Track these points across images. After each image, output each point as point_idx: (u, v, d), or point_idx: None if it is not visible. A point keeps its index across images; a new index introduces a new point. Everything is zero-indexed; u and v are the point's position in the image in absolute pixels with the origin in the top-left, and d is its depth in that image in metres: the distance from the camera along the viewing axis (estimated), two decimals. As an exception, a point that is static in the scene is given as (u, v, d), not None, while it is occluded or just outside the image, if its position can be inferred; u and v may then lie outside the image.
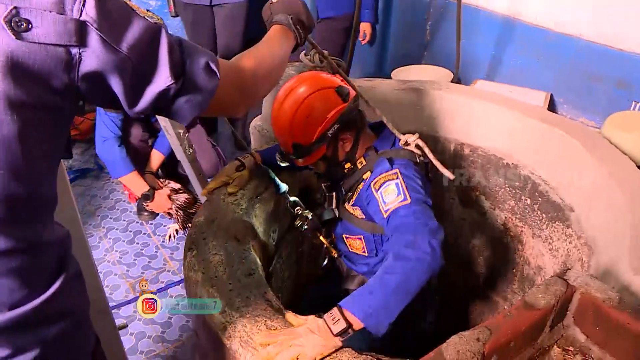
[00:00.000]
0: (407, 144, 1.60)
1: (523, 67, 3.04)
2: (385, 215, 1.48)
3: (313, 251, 2.19)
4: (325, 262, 1.91)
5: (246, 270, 1.47)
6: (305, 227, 1.76)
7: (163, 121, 1.83)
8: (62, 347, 0.90)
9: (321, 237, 1.81)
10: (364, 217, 1.67)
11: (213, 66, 0.93)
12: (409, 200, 1.46)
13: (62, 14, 0.74)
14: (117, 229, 2.90)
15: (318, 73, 1.66)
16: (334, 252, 1.83)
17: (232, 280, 1.42)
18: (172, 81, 0.86)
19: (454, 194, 2.40)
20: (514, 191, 2.17)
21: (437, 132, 2.34)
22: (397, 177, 1.52)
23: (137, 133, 2.85)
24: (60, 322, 0.89)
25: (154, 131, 2.94)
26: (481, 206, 2.31)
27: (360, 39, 3.53)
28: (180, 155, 1.93)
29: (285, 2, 1.30)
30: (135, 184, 2.78)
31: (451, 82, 3.11)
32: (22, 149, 0.75)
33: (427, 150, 1.57)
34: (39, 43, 0.73)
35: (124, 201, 3.13)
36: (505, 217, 2.25)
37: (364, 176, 1.66)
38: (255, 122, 2.21)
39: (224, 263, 1.48)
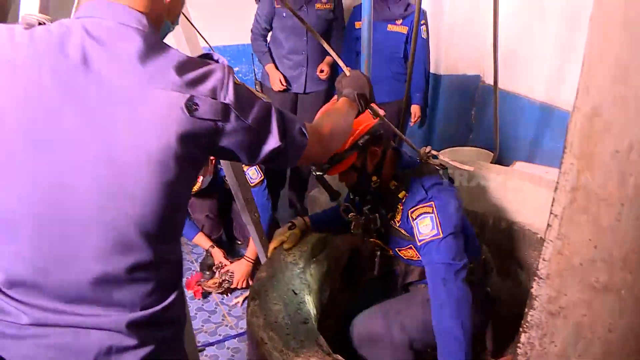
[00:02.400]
0: (425, 154, 1.93)
1: (560, 150, 3.25)
2: (419, 244, 1.79)
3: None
4: (377, 268, 2.12)
5: (301, 319, 1.70)
6: (360, 230, 2.00)
7: (234, 188, 2.13)
8: (168, 349, 1.15)
9: (373, 239, 2.05)
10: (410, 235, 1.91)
11: (304, 130, 1.24)
12: (440, 235, 1.76)
13: (214, 99, 1.04)
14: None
15: None
16: (390, 250, 2.07)
17: (289, 326, 1.66)
18: (280, 143, 1.17)
19: (492, 264, 2.57)
20: (548, 264, 2.34)
21: (478, 208, 2.56)
22: (433, 211, 1.80)
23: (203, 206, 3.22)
24: (170, 328, 1.15)
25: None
26: (517, 277, 2.48)
27: (411, 120, 3.79)
28: (246, 218, 2.21)
29: (354, 78, 1.60)
30: (202, 242, 3.16)
31: (491, 162, 3.34)
32: (178, 186, 1.06)
33: (441, 156, 1.90)
34: (200, 119, 1.03)
35: (187, 260, 3.42)
36: (541, 289, 2.40)
37: (400, 195, 1.91)
38: (313, 194, 2.49)
39: (282, 312, 1.72)
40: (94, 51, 1.01)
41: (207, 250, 3.18)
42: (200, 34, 1.85)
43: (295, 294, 1.84)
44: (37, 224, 1.02)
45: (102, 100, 0.99)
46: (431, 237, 1.77)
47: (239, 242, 3.56)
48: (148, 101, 1.00)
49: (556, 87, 3.34)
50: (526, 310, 0.95)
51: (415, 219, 1.82)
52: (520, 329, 0.97)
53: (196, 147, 1.06)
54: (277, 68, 3.70)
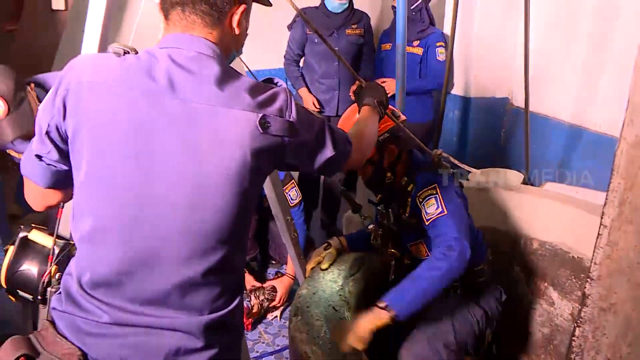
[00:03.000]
0: (437, 155, 2.13)
1: (589, 171, 3.29)
2: (427, 224, 1.92)
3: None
4: (391, 274, 2.24)
5: (342, 334, 1.79)
6: (379, 240, 2.19)
7: (275, 209, 2.23)
8: (229, 354, 1.25)
9: (392, 250, 2.20)
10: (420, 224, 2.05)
11: (349, 138, 1.42)
12: (445, 212, 1.92)
13: (282, 117, 1.19)
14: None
15: None
16: (406, 260, 2.20)
17: (331, 340, 1.74)
18: (334, 152, 1.33)
19: (524, 284, 2.62)
20: (580, 282, 2.38)
21: (509, 228, 2.62)
22: (436, 192, 1.96)
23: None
24: (233, 332, 1.26)
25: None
26: (550, 297, 2.52)
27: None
28: (286, 238, 2.31)
29: (371, 88, 1.80)
30: None
31: (522, 183, 3.40)
32: (249, 197, 1.20)
33: (451, 158, 2.14)
34: (271, 135, 1.17)
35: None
36: (573, 307, 2.44)
37: (409, 189, 2.11)
38: (348, 214, 2.59)
39: (324, 327, 1.81)
40: (179, 76, 1.15)
41: None
42: (241, 60, 1.98)
43: (336, 310, 1.93)
44: (127, 231, 1.15)
45: (187, 119, 1.13)
46: (437, 214, 1.94)
47: (273, 262, 3.66)
48: (227, 120, 1.14)
49: (585, 108, 3.40)
50: (579, 307, 1.05)
51: (422, 201, 1.99)
52: (574, 325, 1.07)
53: (266, 161, 1.20)
54: (310, 92, 3.84)
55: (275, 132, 1.18)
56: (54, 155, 1.21)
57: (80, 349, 1.16)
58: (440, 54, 3.77)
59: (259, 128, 1.15)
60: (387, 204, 2.20)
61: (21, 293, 1.57)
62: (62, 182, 1.26)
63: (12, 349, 1.16)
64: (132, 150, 1.13)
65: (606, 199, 0.97)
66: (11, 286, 1.56)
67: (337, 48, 3.73)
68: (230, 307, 1.23)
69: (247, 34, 1.33)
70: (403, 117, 2.12)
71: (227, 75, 1.18)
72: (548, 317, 2.54)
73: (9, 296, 1.60)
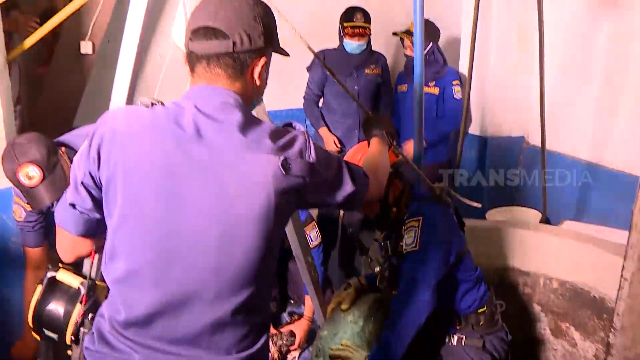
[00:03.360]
0: (438, 188, 2.14)
1: (608, 209, 3.29)
2: (402, 255, 2.01)
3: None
4: None
5: (364, 375, 1.80)
6: (384, 282, 2.20)
7: (295, 249, 2.26)
8: None
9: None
10: None
11: (365, 172, 1.47)
12: (417, 248, 1.95)
13: (302, 159, 1.25)
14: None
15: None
16: None
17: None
18: (354, 187, 1.39)
19: (545, 324, 2.61)
20: (603, 323, 2.37)
21: (527, 268, 2.63)
22: (418, 225, 1.99)
23: None
24: None
25: None
26: (572, 337, 2.51)
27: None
28: (306, 278, 2.34)
29: (378, 119, 1.92)
30: None
31: (540, 222, 3.41)
32: (275, 235, 1.26)
33: (452, 191, 2.12)
34: (293, 176, 1.23)
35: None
36: (597, 349, 2.42)
37: (404, 217, 2.11)
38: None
39: (346, 368, 1.82)
40: (205, 124, 1.22)
41: None
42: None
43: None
44: (159, 273, 1.20)
45: (214, 164, 1.20)
46: (410, 248, 1.98)
47: (292, 302, 3.66)
48: (251, 164, 1.21)
49: (601, 146, 3.42)
50: (604, 357, 1.06)
51: (405, 231, 2.03)
52: None
53: (289, 201, 1.26)
54: (330, 131, 3.90)
55: (296, 173, 1.24)
56: (88, 203, 1.27)
57: None
58: (457, 92, 3.82)
59: (282, 170, 1.21)
60: (388, 237, 2.24)
61: (47, 332, 1.61)
62: (94, 230, 1.33)
63: None
64: (163, 195, 1.20)
65: (626, 253, 1.00)
66: (37, 325, 1.61)
67: (356, 87, 3.83)
68: (257, 346, 1.27)
69: (266, 84, 1.39)
70: (409, 151, 2.27)
71: (250, 122, 1.25)
72: (570, 358, 2.52)
73: (35, 335, 1.65)
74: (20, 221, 2.34)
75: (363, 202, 1.49)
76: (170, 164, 1.20)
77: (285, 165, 1.22)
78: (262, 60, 1.31)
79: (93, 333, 1.30)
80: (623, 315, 1.01)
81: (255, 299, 1.25)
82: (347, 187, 1.38)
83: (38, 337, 1.65)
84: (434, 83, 3.83)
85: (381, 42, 4.19)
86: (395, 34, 3.94)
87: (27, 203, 2.25)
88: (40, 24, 2.95)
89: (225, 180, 1.20)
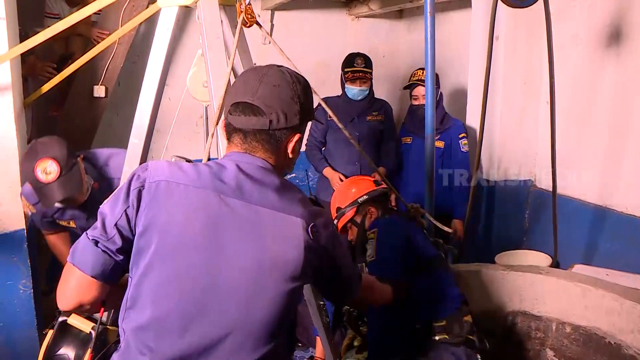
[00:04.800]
0: (412, 207, 2.42)
1: (618, 252, 3.27)
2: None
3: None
4: None
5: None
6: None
7: (307, 294, 2.25)
8: None
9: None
10: None
11: (361, 274, 1.59)
12: (374, 258, 2.08)
13: (327, 229, 1.35)
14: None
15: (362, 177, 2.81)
16: None
17: None
18: (351, 279, 1.48)
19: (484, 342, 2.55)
20: (618, 370, 2.32)
21: (539, 312, 2.60)
22: (374, 236, 2.13)
23: None
24: None
25: None
26: (586, 383, 2.46)
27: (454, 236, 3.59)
28: (317, 323, 2.31)
29: None
30: None
31: (550, 266, 3.38)
32: (297, 294, 1.32)
33: (427, 214, 2.39)
34: (319, 243, 1.31)
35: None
36: (612, 395, 2.37)
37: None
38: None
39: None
40: (246, 182, 1.29)
41: None
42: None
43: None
44: (188, 320, 1.22)
45: (253, 220, 1.27)
46: (370, 259, 2.10)
47: (300, 345, 3.60)
48: (285, 224, 1.29)
49: (609, 189, 3.43)
50: None
51: (367, 244, 2.17)
52: None
53: (312, 266, 1.32)
54: (334, 169, 3.87)
55: (321, 241, 1.33)
56: (117, 242, 1.26)
57: None
58: (464, 145, 3.80)
59: (310, 235, 1.29)
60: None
61: None
62: (108, 274, 1.28)
63: None
64: (202, 244, 1.24)
65: None
66: None
67: (357, 133, 3.82)
68: None
69: (299, 155, 1.46)
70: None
71: (285, 187, 1.34)
72: (585, 405, 2.47)
73: None
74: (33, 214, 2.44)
75: (349, 302, 1.63)
76: (213, 216, 1.25)
77: (315, 231, 1.31)
78: (297, 137, 1.38)
79: None
80: None
81: (277, 352, 1.29)
82: (354, 274, 1.53)
83: None
84: (438, 137, 3.69)
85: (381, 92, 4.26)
86: (407, 87, 3.93)
87: (34, 204, 2.29)
88: (56, 69, 3.02)
89: (262, 235, 1.27)
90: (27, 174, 2.14)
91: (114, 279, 1.30)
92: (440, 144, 3.75)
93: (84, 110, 3.66)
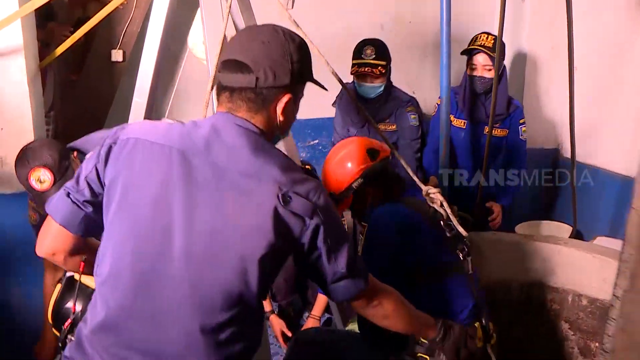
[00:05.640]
0: (427, 194, 1.86)
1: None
2: None
3: None
4: None
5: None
6: None
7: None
8: None
9: None
10: None
11: (367, 276, 1.39)
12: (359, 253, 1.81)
13: (307, 199, 1.24)
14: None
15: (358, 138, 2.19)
16: None
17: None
18: (344, 271, 1.32)
19: (574, 343, 2.51)
20: (633, 344, 2.26)
21: (555, 283, 2.53)
22: (364, 231, 1.89)
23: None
24: None
25: None
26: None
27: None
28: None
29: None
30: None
31: (570, 237, 3.29)
32: (263, 272, 1.22)
33: (445, 205, 1.81)
34: (292, 212, 1.22)
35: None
36: (627, 370, 2.31)
37: None
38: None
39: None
40: (216, 143, 1.24)
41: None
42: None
43: None
44: (139, 278, 1.21)
45: (215, 182, 1.21)
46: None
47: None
48: (252, 189, 1.22)
49: (637, 159, 3.30)
50: None
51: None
52: None
53: (285, 237, 1.23)
54: None
55: (296, 209, 1.23)
56: (86, 194, 1.30)
57: None
58: (524, 132, 3.22)
59: (280, 201, 1.21)
60: None
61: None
62: (77, 225, 1.33)
63: None
64: (158, 204, 1.22)
65: (618, 269, 0.92)
66: (56, 322, 1.62)
67: None
68: None
69: (295, 119, 1.40)
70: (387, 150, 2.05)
71: (262, 150, 1.26)
72: (599, 379, 2.41)
73: (54, 331, 1.67)
74: (35, 225, 2.38)
75: (342, 299, 1.40)
76: (169, 176, 1.22)
77: (285, 197, 1.21)
78: (287, 97, 1.31)
79: (73, 341, 1.33)
80: (614, 336, 0.93)
81: (233, 325, 1.23)
82: (339, 266, 1.32)
83: (57, 333, 1.68)
84: (499, 124, 3.12)
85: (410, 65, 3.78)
86: (465, 53, 3.14)
87: (39, 208, 2.30)
88: (73, 32, 3.02)
89: (223, 200, 1.21)
90: (22, 182, 2.15)
91: (84, 231, 1.34)
92: (502, 132, 3.17)
93: (102, 74, 3.68)
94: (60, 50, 2.76)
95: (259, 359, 1.37)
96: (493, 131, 2.99)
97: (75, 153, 2.25)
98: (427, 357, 1.64)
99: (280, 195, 1.21)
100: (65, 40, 2.82)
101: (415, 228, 1.86)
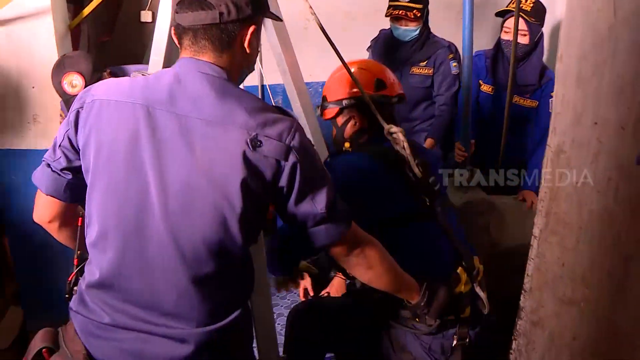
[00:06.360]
0: (389, 133, 1.76)
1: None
2: None
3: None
4: None
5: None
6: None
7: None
8: None
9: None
10: None
11: (350, 218, 1.34)
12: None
13: (280, 141, 1.21)
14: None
15: (380, 64, 2.08)
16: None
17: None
18: (324, 212, 1.28)
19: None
20: None
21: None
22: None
23: None
24: (231, 345, 1.33)
25: None
26: None
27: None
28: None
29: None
30: None
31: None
32: (243, 216, 1.20)
33: (406, 145, 1.73)
34: (263, 155, 1.19)
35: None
36: None
37: None
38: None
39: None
40: (179, 92, 1.23)
41: None
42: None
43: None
44: (125, 238, 1.23)
45: (181, 133, 1.20)
46: None
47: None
48: (219, 136, 1.20)
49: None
50: (516, 320, 1.08)
51: None
52: (512, 337, 1.10)
53: (259, 182, 1.21)
54: None
55: (267, 153, 1.19)
56: (62, 162, 1.32)
57: (86, 349, 1.27)
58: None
59: (249, 146, 1.18)
60: None
61: None
62: (62, 193, 1.36)
63: (40, 340, 1.32)
64: (130, 162, 1.21)
65: (537, 209, 0.98)
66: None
67: None
68: (229, 320, 1.27)
69: (258, 52, 1.37)
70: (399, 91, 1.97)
71: (228, 95, 1.23)
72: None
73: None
74: None
75: (321, 245, 1.34)
76: (136, 133, 1.21)
77: (254, 141, 1.18)
78: (251, 28, 1.28)
79: (76, 295, 1.36)
80: (532, 276, 1.00)
81: (222, 273, 1.24)
82: (317, 207, 1.27)
83: None
84: (530, 94, 2.87)
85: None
86: (499, 14, 2.87)
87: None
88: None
89: (191, 150, 1.19)
90: (56, 86, 2.33)
91: (71, 197, 1.36)
92: (532, 103, 2.89)
93: (132, 35, 3.82)
94: (87, 10, 2.90)
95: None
96: (522, 101, 2.88)
97: (109, 71, 2.42)
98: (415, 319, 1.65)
99: (248, 140, 1.18)
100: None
101: (369, 178, 1.78)
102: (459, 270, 1.75)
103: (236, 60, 1.30)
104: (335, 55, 1.78)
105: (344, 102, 1.92)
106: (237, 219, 1.21)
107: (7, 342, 2.77)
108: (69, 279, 1.49)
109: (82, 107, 1.28)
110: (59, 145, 1.32)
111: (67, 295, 1.45)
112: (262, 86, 4.24)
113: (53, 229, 1.46)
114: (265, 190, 1.23)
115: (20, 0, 2.58)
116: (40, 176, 1.37)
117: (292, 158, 1.22)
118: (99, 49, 3.77)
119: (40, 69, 2.71)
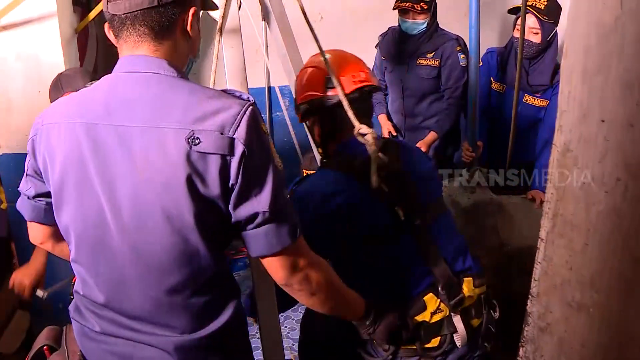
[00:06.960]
0: (359, 134, 1.53)
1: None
2: None
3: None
4: None
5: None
6: None
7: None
8: None
9: None
10: None
11: (298, 226, 1.20)
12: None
13: (222, 134, 1.10)
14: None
15: (344, 55, 1.79)
16: None
17: None
18: (266, 211, 1.15)
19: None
20: None
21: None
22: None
23: None
24: (218, 354, 1.29)
25: None
26: None
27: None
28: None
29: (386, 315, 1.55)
30: None
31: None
32: (199, 219, 1.13)
33: (373, 148, 1.49)
34: (204, 152, 1.10)
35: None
36: None
37: None
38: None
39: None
40: (114, 101, 1.17)
41: None
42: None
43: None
44: (94, 256, 1.24)
45: (119, 143, 1.15)
46: None
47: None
48: (156, 139, 1.12)
49: None
50: (523, 325, 1.05)
51: None
52: (520, 344, 1.07)
53: (207, 182, 1.12)
54: (388, 119, 3.38)
55: (208, 149, 1.10)
56: (32, 191, 1.35)
57: (81, 351, 1.33)
58: None
59: (187, 144, 1.10)
60: None
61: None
62: (43, 217, 1.38)
63: (44, 337, 1.37)
64: (81, 184, 1.19)
65: (544, 211, 0.96)
66: None
67: (400, 79, 3.23)
68: (215, 327, 1.24)
69: (200, 38, 1.30)
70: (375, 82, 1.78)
71: (167, 92, 1.16)
72: None
73: None
74: None
75: (261, 252, 1.20)
76: (80, 154, 1.18)
77: (191, 138, 1.10)
78: (192, 10, 1.22)
79: (73, 301, 1.39)
80: (539, 280, 0.97)
81: (191, 282, 1.20)
82: (260, 204, 1.14)
83: None
84: (541, 93, 2.84)
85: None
86: (512, 11, 2.85)
87: None
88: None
89: (133, 163, 1.13)
90: None
91: (53, 219, 1.33)
92: (542, 103, 2.85)
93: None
94: (94, 13, 2.90)
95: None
96: (533, 100, 2.85)
97: None
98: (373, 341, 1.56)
99: (187, 139, 1.10)
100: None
101: (331, 202, 1.58)
102: (427, 297, 1.57)
103: (179, 48, 1.23)
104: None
105: (301, 108, 1.76)
106: (192, 226, 1.14)
107: (15, 346, 2.77)
108: (73, 280, 1.52)
109: (35, 135, 1.27)
110: (27, 175, 1.35)
111: (71, 297, 1.45)
112: (270, 88, 4.25)
113: (48, 248, 1.48)
114: (217, 190, 1.13)
115: (26, 4, 2.59)
116: (21, 204, 1.41)
117: (238, 149, 1.11)
118: (107, 50, 3.78)
119: (46, 73, 2.69)
